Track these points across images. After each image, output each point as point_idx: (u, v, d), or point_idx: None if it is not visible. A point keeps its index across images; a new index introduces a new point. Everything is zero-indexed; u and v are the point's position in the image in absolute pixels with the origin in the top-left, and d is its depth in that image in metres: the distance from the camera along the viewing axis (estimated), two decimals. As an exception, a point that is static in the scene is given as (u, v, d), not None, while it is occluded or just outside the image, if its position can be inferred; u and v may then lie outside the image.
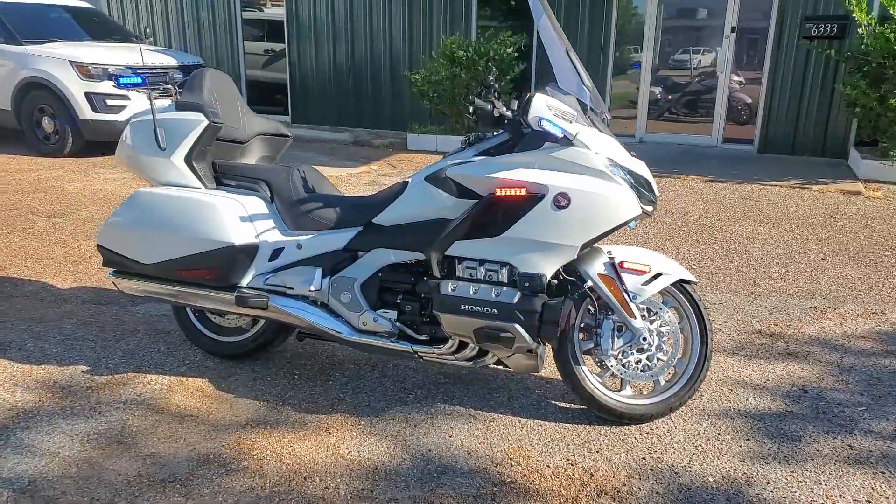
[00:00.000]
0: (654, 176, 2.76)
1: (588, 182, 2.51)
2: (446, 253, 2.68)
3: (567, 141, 2.51)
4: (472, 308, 2.58)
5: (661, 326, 2.76)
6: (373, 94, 10.80)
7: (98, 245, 3.02)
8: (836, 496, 2.34)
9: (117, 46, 8.69)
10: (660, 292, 2.77)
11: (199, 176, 2.94)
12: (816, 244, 5.16)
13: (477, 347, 2.69)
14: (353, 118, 11.01)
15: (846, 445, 2.63)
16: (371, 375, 3.13)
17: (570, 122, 2.51)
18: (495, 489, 2.36)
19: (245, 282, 2.90)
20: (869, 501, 2.32)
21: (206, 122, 2.88)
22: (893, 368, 3.24)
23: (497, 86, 2.70)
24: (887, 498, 2.33)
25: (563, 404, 2.90)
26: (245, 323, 3.19)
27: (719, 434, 2.70)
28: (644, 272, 2.70)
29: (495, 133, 2.81)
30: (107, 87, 7.92)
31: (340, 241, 2.88)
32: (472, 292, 2.60)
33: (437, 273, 2.70)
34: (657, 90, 9.46)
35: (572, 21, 9.32)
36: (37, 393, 2.92)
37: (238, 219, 2.83)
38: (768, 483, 2.40)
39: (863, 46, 7.20)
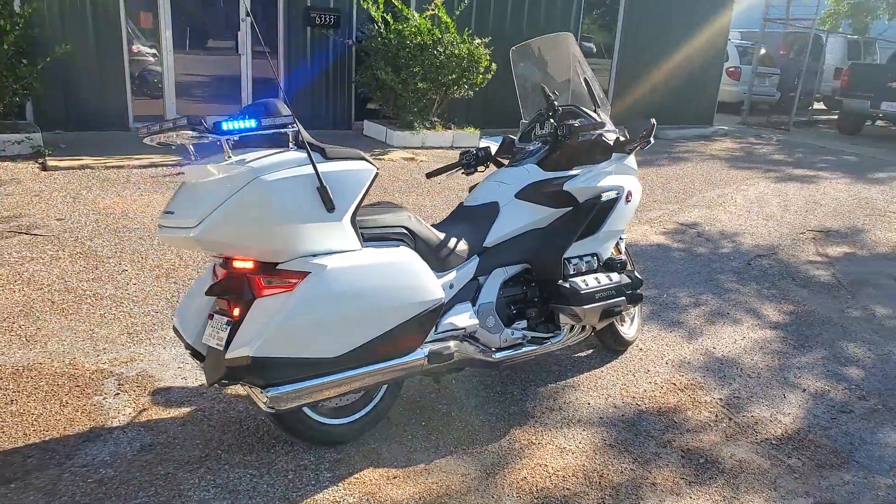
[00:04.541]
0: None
1: (634, 179, 3.40)
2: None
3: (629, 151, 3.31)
4: (601, 295, 3.17)
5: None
6: None
7: (258, 359, 2.15)
8: (803, 308, 4.07)
9: None
10: None
11: (358, 235, 2.42)
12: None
13: (582, 327, 3.28)
14: None
15: (753, 291, 4.35)
16: (462, 386, 3.22)
17: None
18: (662, 417, 3.17)
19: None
20: (794, 311, 4.14)
21: (374, 171, 2.41)
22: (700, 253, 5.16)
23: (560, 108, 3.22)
24: (791, 309, 4.16)
25: (579, 356, 3.71)
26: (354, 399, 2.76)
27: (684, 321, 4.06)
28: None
29: (533, 146, 3.31)
30: None
31: (471, 272, 2.93)
32: (598, 283, 3.17)
33: (559, 275, 3.11)
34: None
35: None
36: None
37: (428, 272, 2.55)
38: (776, 327, 3.92)
39: (380, 39, 8.92)
